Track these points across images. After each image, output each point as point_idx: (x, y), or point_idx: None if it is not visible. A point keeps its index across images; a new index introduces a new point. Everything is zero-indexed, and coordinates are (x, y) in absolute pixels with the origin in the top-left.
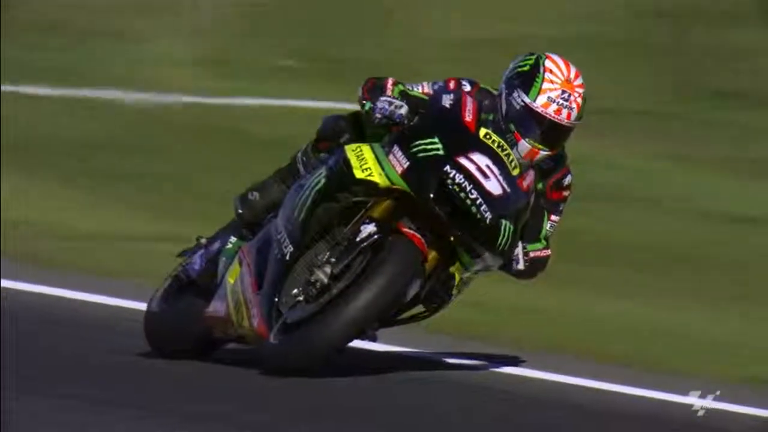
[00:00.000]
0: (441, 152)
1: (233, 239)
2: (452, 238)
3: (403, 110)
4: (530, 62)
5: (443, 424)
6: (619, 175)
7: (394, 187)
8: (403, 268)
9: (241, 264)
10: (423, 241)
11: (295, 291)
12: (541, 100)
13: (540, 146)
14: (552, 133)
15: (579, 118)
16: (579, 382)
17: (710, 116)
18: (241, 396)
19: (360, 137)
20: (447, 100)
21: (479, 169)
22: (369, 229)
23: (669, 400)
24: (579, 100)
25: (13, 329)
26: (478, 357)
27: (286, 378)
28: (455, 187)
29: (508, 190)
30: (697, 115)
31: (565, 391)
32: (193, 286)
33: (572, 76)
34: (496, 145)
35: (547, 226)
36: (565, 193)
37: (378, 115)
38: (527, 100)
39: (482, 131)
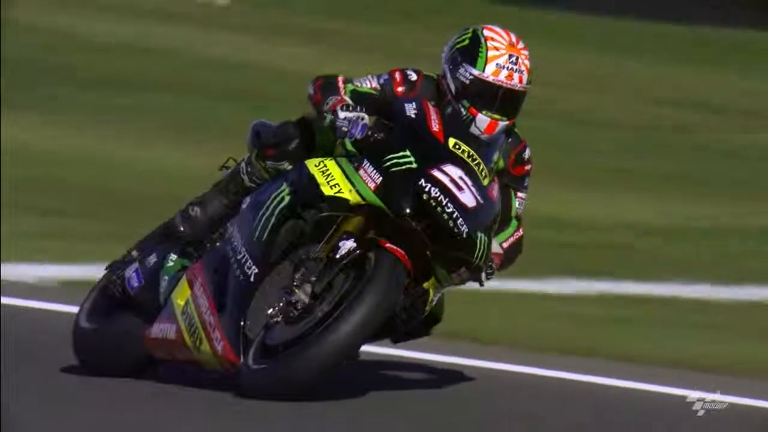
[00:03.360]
0: (414, 165)
1: (174, 257)
2: (428, 253)
3: (364, 122)
4: (468, 35)
5: None
6: None
7: (366, 203)
8: (393, 285)
9: (191, 285)
10: (407, 256)
11: (270, 312)
12: (490, 68)
13: (498, 117)
14: (507, 100)
15: (530, 81)
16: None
17: None
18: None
19: (310, 143)
20: (411, 110)
21: (453, 181)
22: (348, 245)
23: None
24: (527, 62)
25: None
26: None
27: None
28: (431, 201)
29: (482, 201)
30: None
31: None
32: (124, 302)
33: (514, 40)
34: (466, 155)
35: (516, 204)
36: (528, 167)
37: (339, 135)
38: (476, 72)
39: (451, 141)
